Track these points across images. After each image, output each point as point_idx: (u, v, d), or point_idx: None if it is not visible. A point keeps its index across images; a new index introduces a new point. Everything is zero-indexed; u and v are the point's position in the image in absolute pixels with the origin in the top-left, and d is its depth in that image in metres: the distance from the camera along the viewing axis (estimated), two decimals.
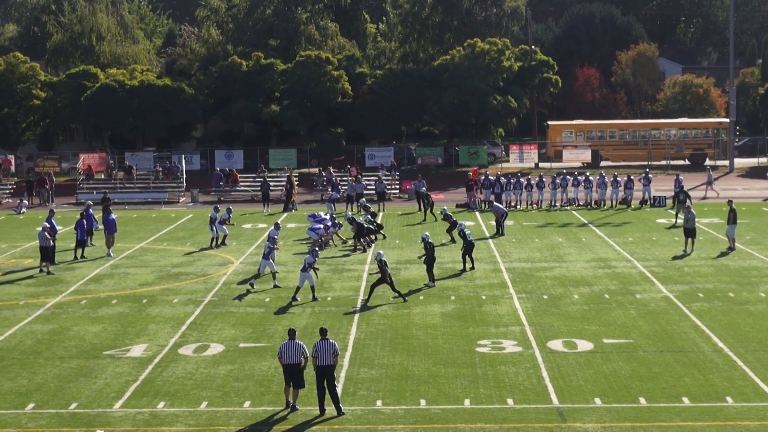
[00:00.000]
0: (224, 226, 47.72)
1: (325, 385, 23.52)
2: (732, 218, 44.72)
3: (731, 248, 44.34)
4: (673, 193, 55.90)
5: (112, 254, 45.23)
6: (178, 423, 23.13)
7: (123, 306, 35.01)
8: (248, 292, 36.72)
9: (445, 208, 50.29)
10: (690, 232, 44.07)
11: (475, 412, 23.58)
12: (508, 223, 51.46)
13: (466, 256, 40.62)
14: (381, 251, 36.60)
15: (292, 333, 24.17)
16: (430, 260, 37.69)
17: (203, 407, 24.12)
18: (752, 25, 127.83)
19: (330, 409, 23.50)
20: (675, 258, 42.08)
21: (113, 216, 46.78)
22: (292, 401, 23.87)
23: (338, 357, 23.85)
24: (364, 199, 56.37)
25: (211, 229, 47.30)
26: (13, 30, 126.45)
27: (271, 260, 37.96)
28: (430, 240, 38.27)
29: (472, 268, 40.48)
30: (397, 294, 35.10)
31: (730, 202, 46.61)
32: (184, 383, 25.94)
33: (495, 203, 54.55)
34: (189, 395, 24.99)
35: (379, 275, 35.17)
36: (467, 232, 41.06)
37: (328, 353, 23.50)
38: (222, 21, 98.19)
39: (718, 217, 54.26)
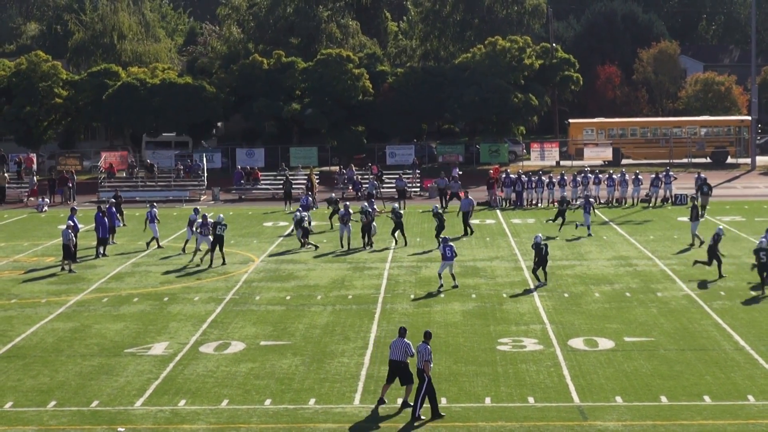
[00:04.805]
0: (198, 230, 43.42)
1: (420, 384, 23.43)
2: (694, 215, 44.50)
3: (693, 245, 44.12)
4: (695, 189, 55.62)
5: (110, 246, 46.00)
6: (199, 421, 23.17)
7: (144, 304, 35.11)
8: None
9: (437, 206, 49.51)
10: None
11: (495, 410, 23.55)
12: (528, 221, 51.27)
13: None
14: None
15: (402, 331, 24.21)
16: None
17: (224, 405, 24.16)
18: None
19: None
20: None
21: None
22: (385, 398, 24.08)
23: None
24: (365, 204, 53.25)
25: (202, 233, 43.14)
26: (35, 29, 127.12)
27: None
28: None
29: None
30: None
31: (693, 199, 46.41)
32: (205, 381, 25.99)
33: (465, 198, 50.18)
34: (210, 393, 25.03)
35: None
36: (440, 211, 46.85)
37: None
38: (243, 19, 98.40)
39: (740, 215, 54.12)
